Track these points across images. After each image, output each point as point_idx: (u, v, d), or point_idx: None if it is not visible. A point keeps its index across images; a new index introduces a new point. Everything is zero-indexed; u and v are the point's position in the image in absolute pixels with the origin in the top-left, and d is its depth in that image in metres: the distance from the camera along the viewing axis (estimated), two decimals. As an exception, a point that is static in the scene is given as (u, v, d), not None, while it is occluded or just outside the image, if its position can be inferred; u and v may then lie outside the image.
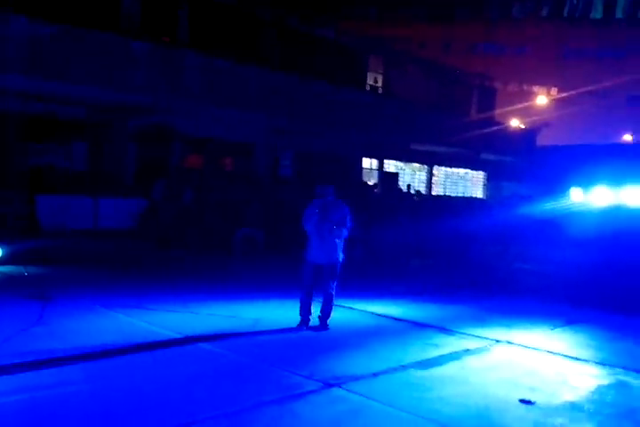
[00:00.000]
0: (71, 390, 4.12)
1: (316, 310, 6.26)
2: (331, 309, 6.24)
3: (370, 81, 20.26)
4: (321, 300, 6.25)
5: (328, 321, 6.22)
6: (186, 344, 5.38)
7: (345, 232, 6.33)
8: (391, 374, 4.71)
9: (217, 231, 12.18)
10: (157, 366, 4.77)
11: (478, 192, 23.68)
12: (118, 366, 4.69)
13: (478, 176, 23.81)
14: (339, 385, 4.39)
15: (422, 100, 21.05)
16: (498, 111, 23.78)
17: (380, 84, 20.55)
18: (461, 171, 23.19)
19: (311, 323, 6.21)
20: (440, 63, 21.74)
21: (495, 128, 22.57)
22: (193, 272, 9.40)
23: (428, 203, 19.78)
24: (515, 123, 24.32)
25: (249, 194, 13.77)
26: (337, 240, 6.26)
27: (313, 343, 5.68)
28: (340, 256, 6.31)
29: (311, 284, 6.29)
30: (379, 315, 7.02)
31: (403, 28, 19.92)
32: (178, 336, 5.59)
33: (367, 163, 20.21)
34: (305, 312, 6.26)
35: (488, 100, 23.72)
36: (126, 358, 4.90)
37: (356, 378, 4.57)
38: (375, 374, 4.68)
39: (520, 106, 23.05)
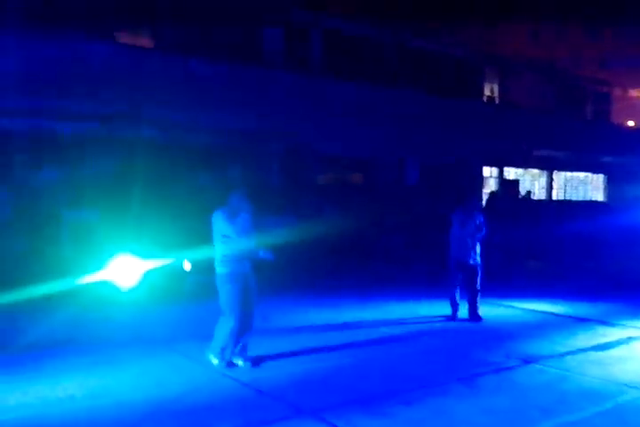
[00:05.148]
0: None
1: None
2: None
3: (487, 91, 21.15)
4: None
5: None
6: (393, 329, 6.75)
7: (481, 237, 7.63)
8: (574, 355, 5.86)
9: (361, 238, 13.67)
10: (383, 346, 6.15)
11: (599, 196, 23.78)
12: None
13: (598, 179, 23.93)
14: (535, 362, 5.61)
15: (539, 106, 21.64)
16: (615, 114, 23.87)
17: (496, 93, 21.38)
18: (581, 175, 23.45)
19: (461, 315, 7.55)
20: (556, 67, 22.24)
21: (613, 130, 22.74)
22: (353, 276, 10.81)
23: (548, 208, 20.32)
24: (633, 124, 24.28)
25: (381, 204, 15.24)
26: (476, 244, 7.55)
27: (491, 332, 6.88)
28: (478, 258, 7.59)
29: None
30: (538, 311, 8.10)
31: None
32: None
33: (487, 171, 21.02)
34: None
35: (604, 103, 23.86)
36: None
37: (546, 358, 5.76)
38: (561, 355, 5.85)
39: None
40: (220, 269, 5.35)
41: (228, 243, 5.29)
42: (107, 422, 4.06)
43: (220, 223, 5.31)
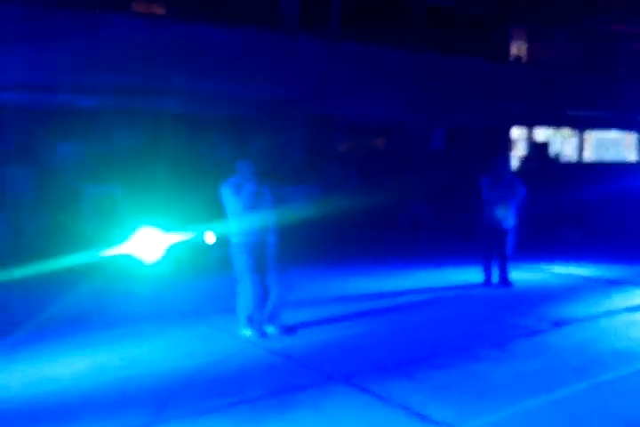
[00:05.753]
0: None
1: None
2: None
3: (514, 51, 20.56)
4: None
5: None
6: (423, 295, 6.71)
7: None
8: (609, 317, 5.76)
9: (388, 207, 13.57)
10: (418, 309, 6.11)
11: (632, 156, 23.15)
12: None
13: (631, 139, 23.26)
14: (568, 324, 5.52)
15: (568, 64, 21.00)
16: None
17: (524, 53, 20.78)
18: (613, 134, 22.82)
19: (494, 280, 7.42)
20: (585, 25, 21.46)
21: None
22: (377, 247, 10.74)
23: (580, 170, 19.85)
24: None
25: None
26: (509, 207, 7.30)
27: (522, 296, 6.79)
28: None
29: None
30: (570, 275, 7.96)
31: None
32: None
33: (515, 133, 20.58)
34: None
35: (638, 60, 23.04)
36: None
37: (579, 320, 5.67)
38: (594, 317, 5.75)
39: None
40: (234, 239, 5.33)
41: (238, 216, 5.27)
42: (139, 392, 4.10)
43: (227, 196, 5.28)
